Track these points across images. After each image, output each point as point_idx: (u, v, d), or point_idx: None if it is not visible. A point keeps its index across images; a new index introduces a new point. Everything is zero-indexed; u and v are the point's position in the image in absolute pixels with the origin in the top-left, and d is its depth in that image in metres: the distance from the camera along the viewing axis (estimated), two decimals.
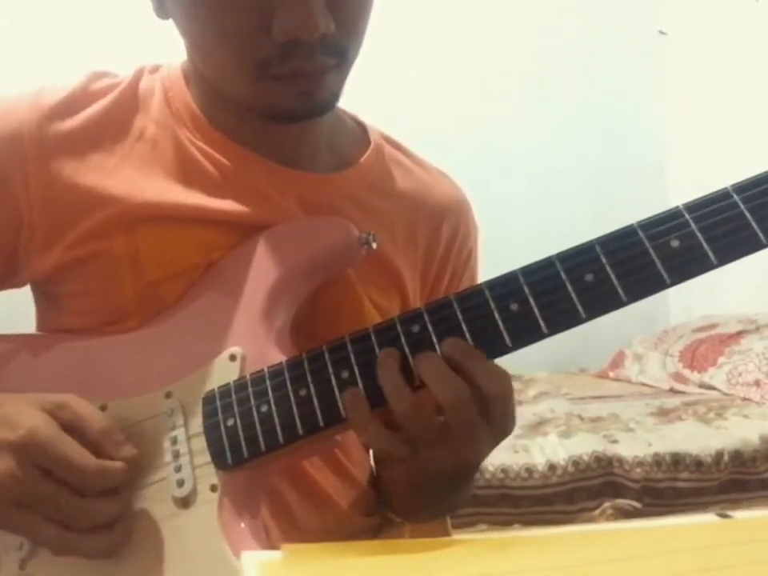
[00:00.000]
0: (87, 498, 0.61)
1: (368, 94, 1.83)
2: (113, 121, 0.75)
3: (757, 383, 2.35)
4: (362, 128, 0.85)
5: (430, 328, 0.62)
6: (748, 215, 0.56)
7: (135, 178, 0.73)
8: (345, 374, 0.63)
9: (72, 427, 0.62)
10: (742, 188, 0.58)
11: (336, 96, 0.71)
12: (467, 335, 0.61)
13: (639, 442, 1.97)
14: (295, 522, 0.74)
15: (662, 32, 3.24)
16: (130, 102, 0.76)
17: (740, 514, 0.56)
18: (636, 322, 2.69)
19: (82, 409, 0.63)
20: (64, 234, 0.72)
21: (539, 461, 1.94)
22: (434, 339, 0.61)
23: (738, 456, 1.98)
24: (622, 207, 2.89)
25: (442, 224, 0.84)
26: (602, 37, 3.18)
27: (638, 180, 3.20)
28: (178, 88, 0.77)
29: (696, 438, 2.03)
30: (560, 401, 2.40)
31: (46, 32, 2.62)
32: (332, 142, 0.80)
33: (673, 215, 0.58)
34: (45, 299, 0.78)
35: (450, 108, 2.96)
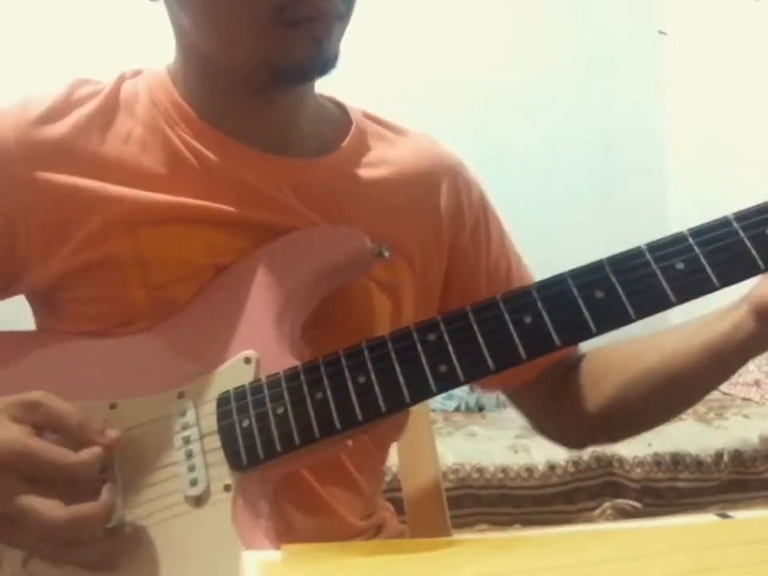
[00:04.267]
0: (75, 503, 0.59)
1: (366, 91, 1.83)
2: (98, 125, 0.75)
3: (757, 383, 2.35)
4: (342, 110, 0.86)
5: (446, 337, 0.63)
6: (748, 243, 0.61)
7: (127, 182, 0.73)
8: (361, 379, 0.64)
9: (48, 425, 0.61)
10: (742, 216, 0.62)
11: (337, 54, 0.72)
12: (482, 346, 0.63)
13: (639, 442, 1.97)
14: (291, 527, 0.74)
15: (661, 32, 3.24)
16: (113, 106, 0.76)
17: (740, 514, 0.56)
18: (636, 322, 2.69)
19: (55, 404, 0.62)
20: (62, 241, 0.72)
21: (539, 461, 1.94)
22: (450, 348, 0.63)
23: (737, 456, 1.98)
24: (622, 207, 2.91)
25: (441, 184, 0.85)
26: (602, 37, 3.17)
27: (637, 180, 3.20)
28: (164, 88, 0.77)
29: (696, 438, 2.03)
30: None
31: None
32: (316, 127, 0.81)
33: (678, 239, 0.62)
34: (48, 308, 0.77)
35: (448, 107, 2.96)
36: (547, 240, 2.53)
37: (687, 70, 3.17)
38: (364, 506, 0.85)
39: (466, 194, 0.87)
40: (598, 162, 3.18)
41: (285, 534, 0.73)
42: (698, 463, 1.94)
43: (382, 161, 0.82)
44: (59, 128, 0.73)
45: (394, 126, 0.88)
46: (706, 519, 0.57)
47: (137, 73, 0.80)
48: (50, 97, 0.75)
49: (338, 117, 0.84)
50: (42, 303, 0.78)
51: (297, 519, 0.75)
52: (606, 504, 1.88)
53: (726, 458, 1.97)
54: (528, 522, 1.86)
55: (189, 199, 0.73)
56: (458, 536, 0.97)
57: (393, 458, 1.02)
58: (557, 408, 0.88)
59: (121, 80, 0.78)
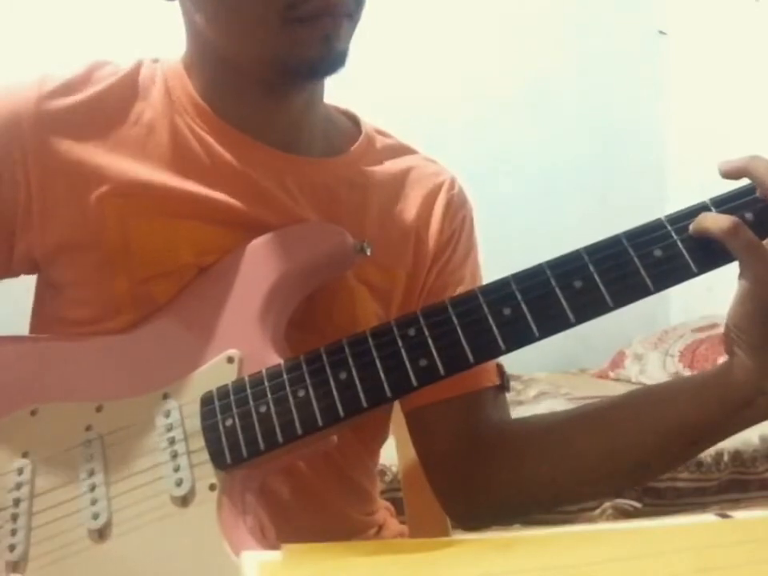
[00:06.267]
0: None
1: (365, 93, 1.83)
2: (111, 104, 0.76)
3: None
4: (353, 121, 0.87)
5: (426, 331, 0.64)
6: None
7: (130, 161, 0.74)
8: (343, 375, 0.64)
9: None
10: (720, 201, 0.63)
11: (346, 53, 0.72)
12: (462, 338, 0.63)
13: None
14: (293, 525, 0.75)
15: (661, 32, 3.24)
16: (129, 88, 0.77)
17: (740, 514, 0.56)
18: (636, 322, 2.69)
19: None
20: (59, 212, 0.73)
21: None
22: (430, 342, 0.63)
23: (737, 456, 1.98)
24: (622, 207, 2.90)
25: (438, 201, 0.85)
26: (602, 37, 3.17)
27: (637, 180, 3.19)
28: (179, 78, 0.79)
29: None
30: (560, 401, 2.39)
31: (42, 27, 2.62)
32: (326, 131, 0.82)
33: (655, 227, 0.62)
34: (47, 287, 0.78)
35: (448, 108, 2.96)
36: (546, 240, 2.53)
37: (687, 70, 3.16)
38: (365, 503, 0.85)
39: (453, 209, 0.86)
40: (598, 161, 3.18)
41: (290, 533, 0.73)
42: (698, 463, 1.94)
43: (387, 171, 0.83)
44: (71, 100, 0.75)
45: (403, 144, 0.89)
46: (706, 519, 0.57)
47: (155, 61, 0.81)
48: (68, 73, 0.76)
49: (349, 126, 0.86)
50: (43, 283, 0.78)
51: (301, 519, 0.75)
52: (606, 504, 1.87)
53: (725, 457, 1.97)
54: (528, 522, 1.85)
55: (186, 188, 0.73)
56: (457, 536, 0.97)
57: (393, 458, 1.02)
58: (466, 460, 0.80)
59: (140, 64, 0.80)
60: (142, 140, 0.75)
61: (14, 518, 0.67)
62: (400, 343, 0.64)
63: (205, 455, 0.65)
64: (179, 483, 0.64)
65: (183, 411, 0.67)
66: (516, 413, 0.88)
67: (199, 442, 0.66)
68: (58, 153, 0.73)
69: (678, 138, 3.22)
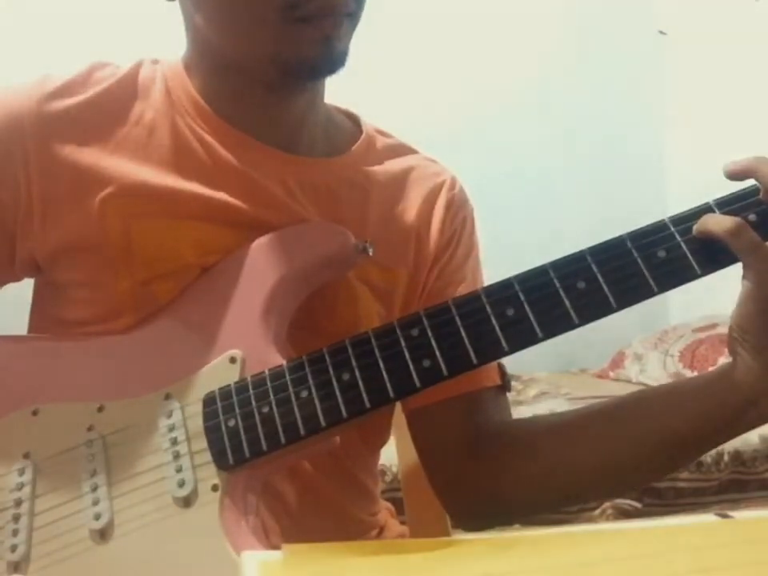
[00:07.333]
0: None
1: (366, 94, 1.83)
2: (112, 104, 0.76)
3: None
4: (354, 121, 0.87)
5: (429, 332, 0.64)
6: None
7: (131, 162, 0.74)
8: (346, 376, 0.64)
9: None
10: (723, 203, 0.63)
11: (346, 53, 0.73)
12: (465, 339, 0.63)
13: None
14: (297, 523, 0.75)
15: (661, 32, 3.24)
16: (129, 88, 0.77)
17: (740, 514, 0.56)
18: (636, 322, 2.69)
19: None
20: (60, 216, 0.73)
21: None
22: (433, 343, 0.63)
23: (737, 456, 1.98)
24: (622, 208, 2.90)
25: (438, 201, 0.85)
26: (602, 37, 3.17)
27: (638, 181, 3.19)
28: (179, 78, 0.79)
29: None
30: (560, 401, 2.39)
31: (42, 27, 2.62)
32: (327, 131, 0.82)
33: (659, 228, 0.62)
34: (48, 288, 0.78)
35: (449, 111, 2.96)
36: (547, 241, 2.53)
37: (687, 70, 3.16)
38: (369, 503, 0.85)
39: (454, 210, 0.86)
40: (598, 162, 3.18)
41: (295, 534, 0.73)
42: (698, 463, 1.94)
43: (388, 171, 0.83)
44: (72, 101, 0.75)
45: (404, 143, 0.89)
46: (706, 519, 0.57)
47: (155, 61, 0.81)
48: (68, 74, 0.76)
49: (349, 126, 0.86)
50: (44, 283, 0.78)
51: (306, 519, 0.76)
52: (606, 504, 1.87)
53: (726, 457, 1.97)
54: (528, 522, 1.85)
55: (188, 188, 0.73)
56: (457, 536, 0.97)
57: (393, 458, 1.02)
58: (469, 465, 0.80)
59: (139, 65, 0.80)
60: (143, 141, 0.75)
61: (16, 518, 0.67)
62: (403, 344, 0.64)
63: (207, 456, 0.65)
64: (181, 484, 0.64)
65: (185, 412, 0.67)
66: (516, 413, 0.89)
67: (201, 443, 0.66)
68: (59, 154, 0.73)
69: (678, 138, 3.22)
